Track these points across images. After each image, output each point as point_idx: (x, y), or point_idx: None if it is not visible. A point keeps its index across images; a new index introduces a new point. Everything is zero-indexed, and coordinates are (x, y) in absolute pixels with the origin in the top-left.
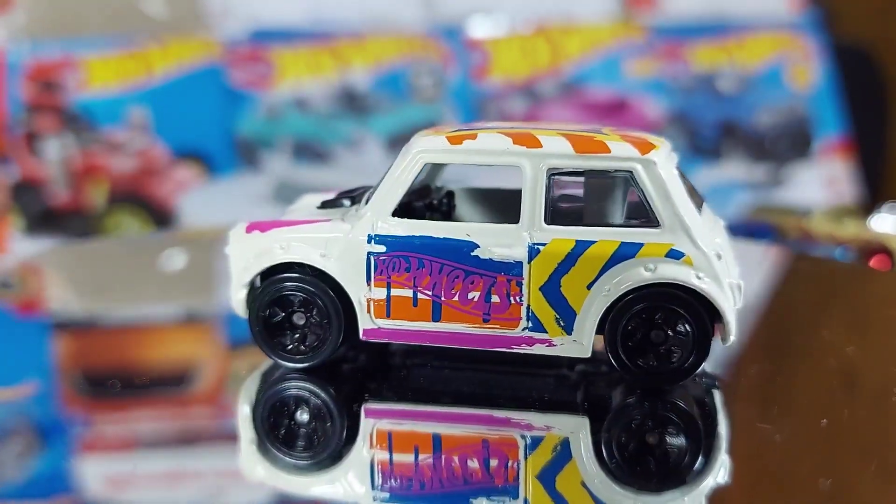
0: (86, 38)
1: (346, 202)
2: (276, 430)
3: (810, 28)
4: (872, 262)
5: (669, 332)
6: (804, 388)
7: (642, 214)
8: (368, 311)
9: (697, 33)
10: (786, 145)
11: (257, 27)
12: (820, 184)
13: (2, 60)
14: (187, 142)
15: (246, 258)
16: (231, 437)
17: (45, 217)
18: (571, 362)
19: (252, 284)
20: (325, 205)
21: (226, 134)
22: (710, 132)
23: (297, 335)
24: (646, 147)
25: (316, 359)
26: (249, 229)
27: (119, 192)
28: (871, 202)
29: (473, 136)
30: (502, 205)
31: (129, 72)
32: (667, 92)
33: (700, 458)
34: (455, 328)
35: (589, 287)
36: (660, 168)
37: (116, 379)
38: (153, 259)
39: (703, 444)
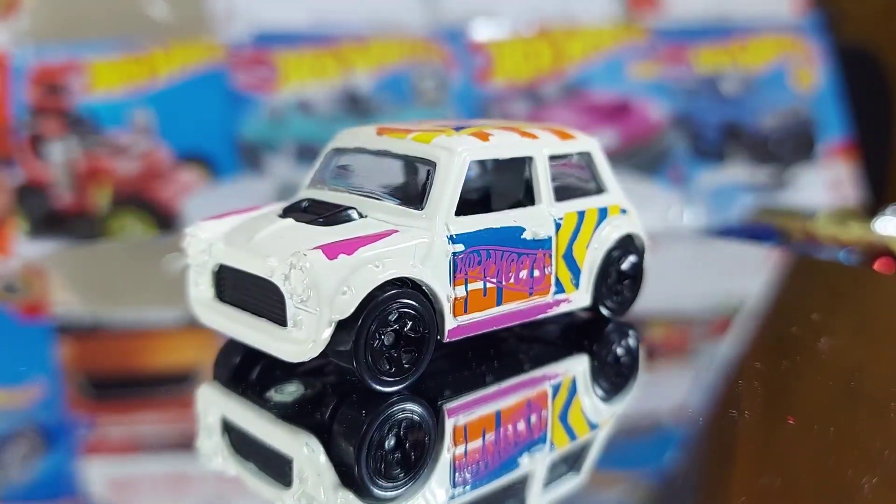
0: (90, 42)
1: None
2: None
3: (814, 30)
4: (877, 265)
5: (626, 271)
6: (808, 390)
7: (589, 185)
8: (450, 311)
9: (700, 35)
10: (789, 148)
11: (261, 31)
12: (824, 186)
13: (7, 64)
14: (191, 145)
15: (339, 287)
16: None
17: (50, 219)
18: None
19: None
20: (328, 221)
21: (229, 137)
22: (713, 134)
23: (394, 354)
24: (587, 134)
25: (416, 374)
26: (332, 254)
27: (123, 194)
28: (875, 205)
29: (491, 134)
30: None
31: (134, 75)
32: (670, 94)
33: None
34: (511, 307)
35: (587, 247)
36: (600, 148)
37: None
38: (157, 262)
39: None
